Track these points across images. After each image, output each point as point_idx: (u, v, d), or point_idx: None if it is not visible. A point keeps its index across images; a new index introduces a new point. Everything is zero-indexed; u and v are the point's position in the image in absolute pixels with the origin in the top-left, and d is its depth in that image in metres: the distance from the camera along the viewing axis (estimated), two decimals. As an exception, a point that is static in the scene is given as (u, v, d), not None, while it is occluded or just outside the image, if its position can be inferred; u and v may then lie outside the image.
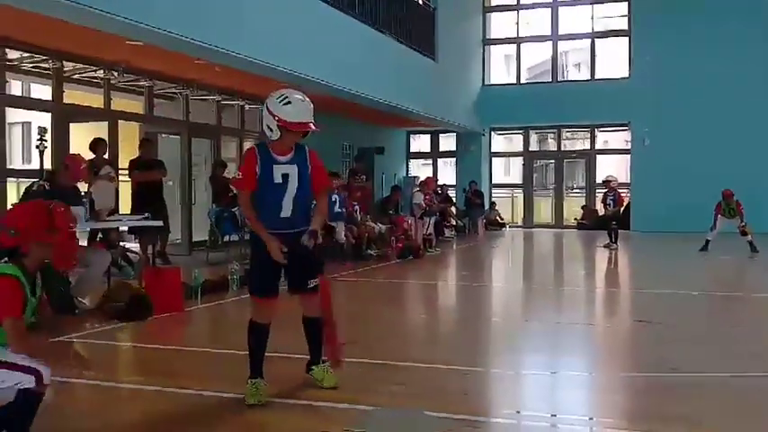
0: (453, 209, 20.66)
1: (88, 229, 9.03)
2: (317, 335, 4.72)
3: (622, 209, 17.75)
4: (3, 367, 3.30)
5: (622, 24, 22.85)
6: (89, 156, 9.76)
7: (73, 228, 3.56)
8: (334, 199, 12.79)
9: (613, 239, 15.86)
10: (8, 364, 3.31)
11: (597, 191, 21.95)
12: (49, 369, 3.35)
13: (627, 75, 22.30)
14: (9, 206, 10.86)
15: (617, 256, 15.11)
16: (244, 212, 4.72)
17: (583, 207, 23.37)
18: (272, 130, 4.39)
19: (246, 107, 15.66)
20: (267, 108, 4.42)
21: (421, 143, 25.70)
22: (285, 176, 4.46)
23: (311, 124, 4.44)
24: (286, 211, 4.48)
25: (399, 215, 16.28)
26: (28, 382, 3.27)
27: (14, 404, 3.30)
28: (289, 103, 4.39)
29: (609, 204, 16.32)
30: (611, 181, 16.56)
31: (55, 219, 3.42)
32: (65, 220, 3.51)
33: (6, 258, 3.41)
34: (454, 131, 23.64)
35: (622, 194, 17.54)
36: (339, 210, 13.00)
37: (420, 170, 25.07)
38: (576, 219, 23.38)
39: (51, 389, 3.43)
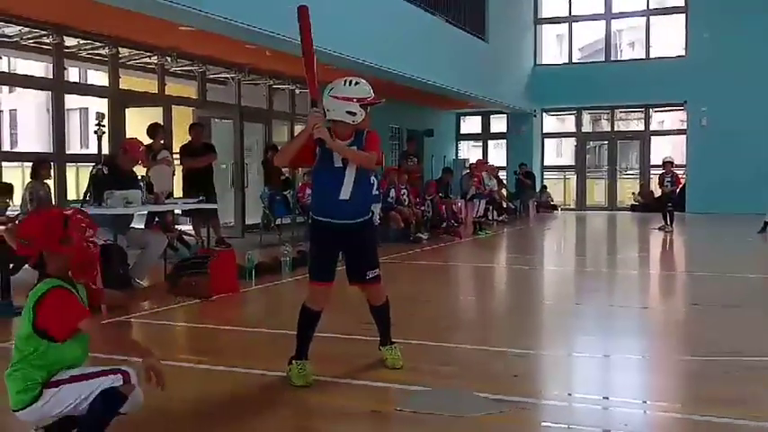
0: (504, 191, 20.51)
1: (145, 212, 9.26)
2: (383, 320, 4.86)
3: (678, 190, 17.39)
4: (79, 380, 3.18)
5: (679, 1, 22.28)
6: (146, 141, 9.96)
7: (91, 237, 3.35)
8: (372, 181, 12.69)
9: (668, 221, 15.58)
10: (84, 375, 3.20)
11: (652, 172, 21.56)
12: (134, 370, 3.25)
13: (683, 53, 21.78)
14: (74, 190, 11.19)
15: (672, 238, 14.84)
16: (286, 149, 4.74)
17: (640, 187, 22.91)
18: (355, 113, 4.46)
19: (297, 91, 15.76)
20: (338, 97, 4.46)
21: (471, 124, 25.54)
22: (345, 161, 4.49)
23: (377, 97, 4.61)
24: (345, 193, 4.48)
25: (450, 198, 16.25)
26: (111, 381, 3.17)
27: (94, 403, 3.15)
28: (357, 83, 4.53)
29: (666, 185, 16.01)
30: (671, 162, 16.23)
31: (70, 228, 3.24)
32: (79, 230, 3.29)
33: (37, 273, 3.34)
34: (505, 113, 23.43)
35: (679, 176, 17.19)
36: (376, 192, 12.90)
37: (470, 152, 24.94)
38: (633, 193, 22.94)
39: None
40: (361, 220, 4.60)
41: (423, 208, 14.74)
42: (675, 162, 17.01)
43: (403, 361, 4.80)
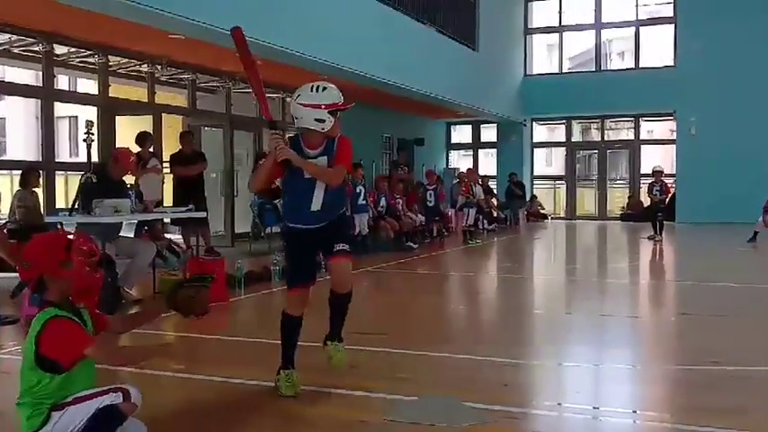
0: (494, 200, 20.56)
1: (135, 221, 9.22)
2: (341, 311, 4.63)
3: (668, 199, 17.44)
4: (82, 401, 3.14)
5: (668, 11, 22.44)
6: (135, 149, 9.92)
7: (93, 261, 3.33)
8: (358, 191, 12.81)
9: (658, 231, 15.62)
10: (87, 396, 3.17)
11: (642, 181, 21.65)
12: (137, 389, 3.23)
13: (672, 63, 21.90)
14: (62, 196, 11.12)
15: (661, 247, 14.88)
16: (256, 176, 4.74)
17: (629, 197, 23.02)
18: (323, 120, 4.32)
19: (288, 99, 15.76)
20: (305, 104, 4.34)
21: (462, 134, 25.59)
22: None
23: (346, 102, 4.40)
24: (316, 204, 4.41)
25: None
26: (111, 399, 3.14)
27: (91, 420, 3.11)
28: (325, 89, 4.36)
29: (655, 195, 16.04)
30: (660, 171, 16.26)
31: (72, 252, 3.21)
32: (82, 255, 3.26)
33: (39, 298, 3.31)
34: (495, 122, 23.49)
35: (669, 185, 17.23)
36: (362, 202, 12.98)
37: (460, 161, 24.97)
38: (622, 208, 23.04)
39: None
40: (330, 222, 4.51)
41: (414, 216, 14.77)
42: (665, 171, 17.08)
43: (346, 362, 4.63)
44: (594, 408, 4.41)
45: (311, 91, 4.37)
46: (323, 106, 4.31)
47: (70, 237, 3.33)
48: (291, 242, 4.61)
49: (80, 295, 3.30)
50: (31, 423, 3.14)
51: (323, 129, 4.35)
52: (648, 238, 15.64)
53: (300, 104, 4.36)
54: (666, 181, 16.79)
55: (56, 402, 3.14)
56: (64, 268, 3.19)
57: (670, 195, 18.11)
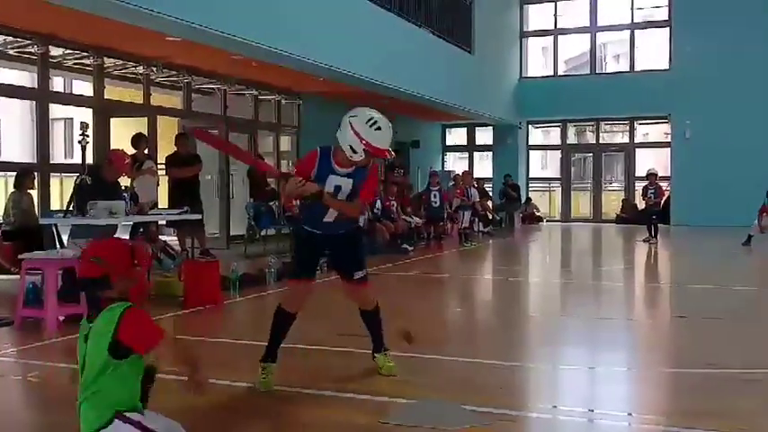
0: (489, 203, 20.58)
1: (130, 223, 9.20)
2: (374, 325, 4.87)
3: (662, 202, 17.46)
4: (142, 429, 3.16)
5: (662, 15, 22.50)
6: (130, 151, 9.91)
7: (149, 267, 3.58)
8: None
9: (653, 234, 15.65)
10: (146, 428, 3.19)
11: (637, 184, 21.68)
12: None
13: (667, 66, 21.94)
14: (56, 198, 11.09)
15: (656, 250, 14.91)
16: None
17: (623, 201, 23.07)
18: (356, 151, 4.34)
19: (283, 102, 15.75)
20: (353, 128, 4.33)
21: (457, 136, 25.61)
22: (338, 188, 4.48)
23: (388, 151, 4.44)
24: (330, 217, 4.56)
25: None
26: None
27: None
28: (380, 129, 4.36)
29: (650, 197, 16.06)
30: (655, 174, 16.27)
31: (137, 256, 3.37)
32: (146, 258, 3.53)
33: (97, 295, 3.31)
34: (491, 125, 23.51)
35: (663, 188, 17.26)
36: None
37: (456, 164, 24.98)
38: (617, 214, 23.07)
39: None
40: (345, 231, 4.68)
41: (409, 219, 14.78)
42: (660, 174, 17.12)
43: (397, 369, 4.83)
44: (590, 410, 4.42)
45: (366, 122, 4.35)
46: (365, 142, 4.32)
47: (130, 244, 3.55)
48: (302, 239, 4.81)
49: (140, 295, 3.44)
50: (94, 423, 3.14)
51: (351, 157, 4.39)
52: (644, 240, 15.67)
53: (350, 124, 4.36)
54: (661, 184, 16.83)
55: (120, 406, 3.15)
56: (134, 270, 3.33)
57: (665, 198, 18.14)
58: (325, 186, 4.44)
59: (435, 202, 15.35)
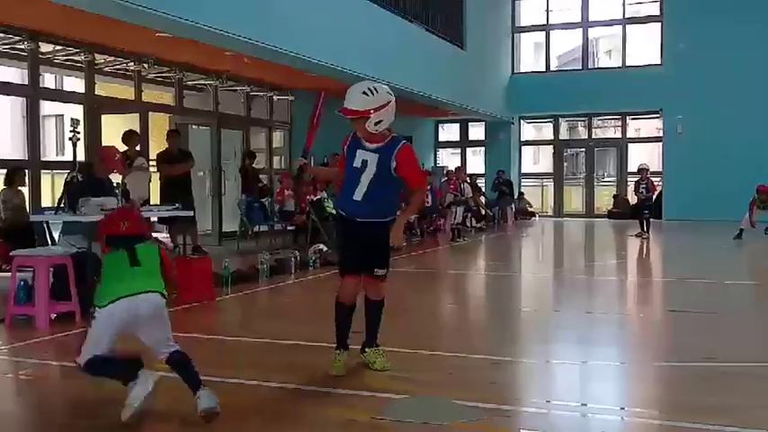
0: (482, 198, 20.59)
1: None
2: (376, 317, 4.97)
3: (655, 196, 17.46)
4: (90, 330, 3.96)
5: (654, 10, 22.53)
6: (122, 148, 9.87)
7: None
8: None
9: (645, 228, 15.67)
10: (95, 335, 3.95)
11: (629, 179, 21.74)
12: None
13: (659, 62, 21.99)
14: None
15: (649, 245, 14.95)
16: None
17: (615, 196, 23.12)
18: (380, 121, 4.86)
19: (275, 98, 15.71)
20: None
21: (450, 132, 25.61)
22: (364, 162, 4.70)
23: (345, 108, 4.69)
24: (358, 194, 4.70)
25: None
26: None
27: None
28: (348, 91, 4.73)
29: (641, 192, 16.06)
30: (646, 169, 16.23)
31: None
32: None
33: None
34: (483, 120, 23.51)
35: (655, 182, 17.25)
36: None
37: (448, 159, 24.99)
38: (608, 210, 23.10)
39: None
40: (372, 221, 4.74)
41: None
42: (652, 169, 17.12)
43: (389, 365, 4.87)
44: (583, 405, 4.42)
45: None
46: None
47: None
48: (341, 230, 4.97)
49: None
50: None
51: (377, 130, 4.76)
52: (636, 235, 15.69)
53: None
54: (653, 179, 16.84)
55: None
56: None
57: (657, 193, 18.16)
58: (354, 161, 4.72)
59: (427, 203, 15.19)
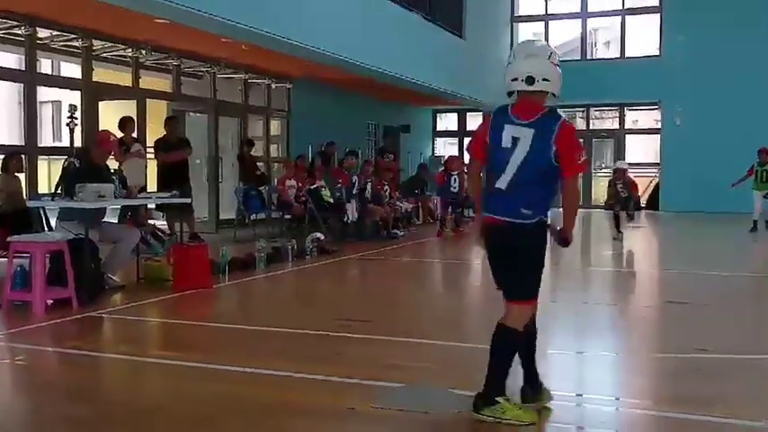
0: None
1: (119, 206, 9.15)
2: (523, 348, 4.22)
3: (638, 194, 15.85)
4: None
5: (653, 1, 22.47)
6: (118, 134, 9.84)
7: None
8: (353, 180, 12.94)
9: (618, 227, 13.85)
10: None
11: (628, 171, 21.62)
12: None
13: (658, 53, 21.95)
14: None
15: (649, 236, 14.91)
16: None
17: (609, 187, 23.00)
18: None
19: (273, 85, 15.66)
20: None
21: (448, 121, 25.57)
22: (515, 140, 3.72)
23: (517, 80, 3.88)
24: (503, 181, 3.72)
25: (426, 195, 16.31)
26: None
27: None
28: (509, 63, 3.94)
29: (620, 192, 14.21)
30: (623, 170, 14.64)
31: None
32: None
33: None
34: (481, 110, 23.46)
35: (634, 180, 15.66)
36: (356, 191, 13.10)
37: (446, 149, 24.95)
38: (604, 201, 22.95)
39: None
40: (512, 221, 3.76)
41: (400, 204, 14.75)
42: (649, 161, 16.88)
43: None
44: (578, 395, 4.43)
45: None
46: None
47: None
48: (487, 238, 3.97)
49: None
50: None
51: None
52: (613, 239, 13.74)
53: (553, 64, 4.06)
54: (631, 176, 14.89)
55: None
56: None
57: (638, 191, 16.28)
58: (502, 140, 3.75)
59: (454, 188, 14.64)
